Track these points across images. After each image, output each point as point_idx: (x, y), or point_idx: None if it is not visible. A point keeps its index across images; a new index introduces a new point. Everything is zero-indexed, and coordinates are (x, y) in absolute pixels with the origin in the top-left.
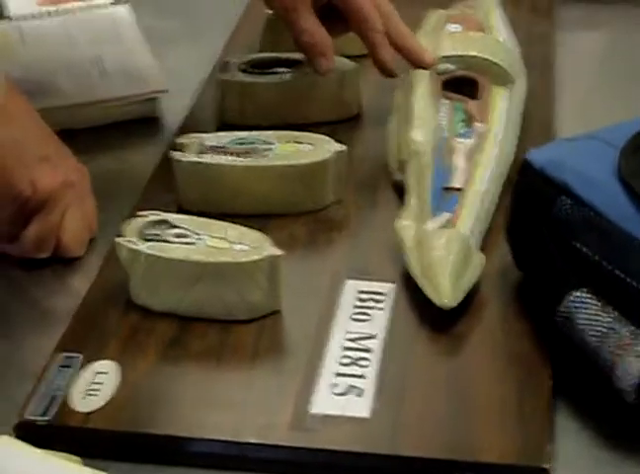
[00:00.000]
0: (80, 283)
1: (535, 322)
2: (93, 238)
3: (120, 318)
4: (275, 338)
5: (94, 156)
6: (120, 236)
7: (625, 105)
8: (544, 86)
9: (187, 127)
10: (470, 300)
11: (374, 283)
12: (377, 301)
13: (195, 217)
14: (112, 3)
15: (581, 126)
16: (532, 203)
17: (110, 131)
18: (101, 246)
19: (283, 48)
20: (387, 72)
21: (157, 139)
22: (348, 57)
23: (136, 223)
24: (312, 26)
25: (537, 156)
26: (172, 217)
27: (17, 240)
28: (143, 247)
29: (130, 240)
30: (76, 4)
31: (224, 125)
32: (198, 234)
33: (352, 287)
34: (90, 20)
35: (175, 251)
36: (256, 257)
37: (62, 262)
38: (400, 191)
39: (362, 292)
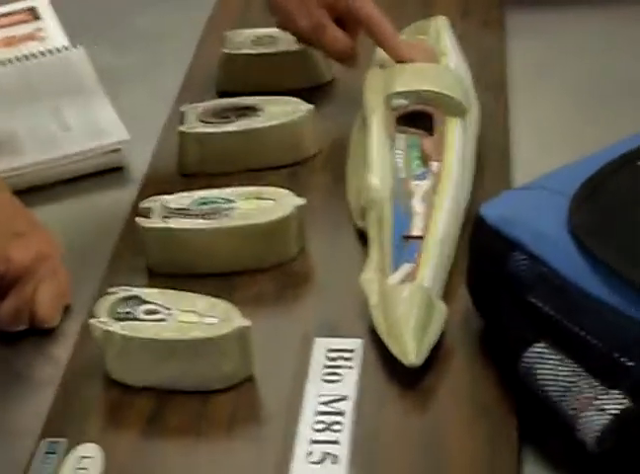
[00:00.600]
0: (59, 351)
1: (501, 369)
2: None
3: (99, 394)
4: (250, 406)
5: (60, 212)
6: (92, 316)
7: (581, 116)
8: (499, 109)
9: (150, 180)
10: (436, 351)
11: (343, 340)
12: (346, 359)
13: (164, 291)
14: (65, 47)
15: (537, 148)
16: (487, 259)
17: (74, 184)
18: (76, 311)
19: (239, 84)
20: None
21: (122, 190)
22: (292, 92)
23: (108, 301)
24: (339, 35)
25: (490, 211)
26: (142, 293)
27: None
28: (116, 327)
29: (103, 321)
30: (31, 46)
31: (186, 175)
32: (168, 309)
33: (321, 346)
34: (48, 67)
35: (147, 330)
36: (226, 330)
37: (40, 332)
38: (363, 237)
39: (332, 350)
